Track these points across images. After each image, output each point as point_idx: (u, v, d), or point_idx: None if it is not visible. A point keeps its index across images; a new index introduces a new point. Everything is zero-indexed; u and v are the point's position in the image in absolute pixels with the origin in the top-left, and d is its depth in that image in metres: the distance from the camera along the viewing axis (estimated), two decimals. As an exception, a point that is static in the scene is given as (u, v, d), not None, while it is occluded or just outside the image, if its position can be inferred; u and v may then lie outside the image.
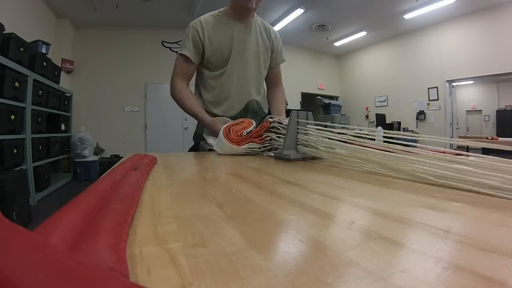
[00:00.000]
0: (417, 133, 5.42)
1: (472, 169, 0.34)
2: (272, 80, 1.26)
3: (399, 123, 5.54)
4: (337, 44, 6.36)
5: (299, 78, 6.66)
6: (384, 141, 0.47)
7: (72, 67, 4.54)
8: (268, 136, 0.74)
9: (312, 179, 0.43)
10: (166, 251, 0.16)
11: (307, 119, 0.66)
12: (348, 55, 7.06)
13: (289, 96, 6.29)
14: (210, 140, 0.94)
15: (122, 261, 0.14)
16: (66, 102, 3.96)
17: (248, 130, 0.77)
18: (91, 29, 4.85)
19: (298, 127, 0.65)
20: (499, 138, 3.21)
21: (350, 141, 0.52)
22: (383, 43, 6.13)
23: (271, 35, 1.20)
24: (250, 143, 0.75)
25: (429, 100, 5.32)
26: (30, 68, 2.73)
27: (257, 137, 0.75)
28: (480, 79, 5.44)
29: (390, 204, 0.27)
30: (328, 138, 0.57)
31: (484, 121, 8.17)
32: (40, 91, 2.96)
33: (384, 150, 0.46)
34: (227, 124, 0.81)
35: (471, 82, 6.40)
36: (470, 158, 0.56)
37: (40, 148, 3.00)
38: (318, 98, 5.14)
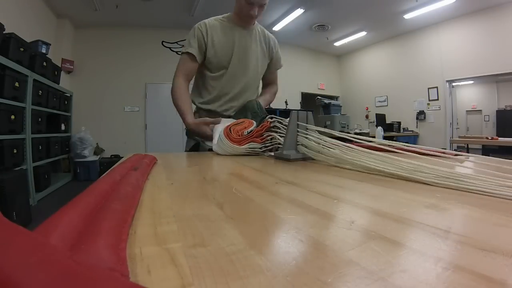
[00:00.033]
0: (417, 133, 5.43)
1: (472, 169, 0.34)
2: (269, 81, 1.37)
3: (399, 123, 5.54)
4: (337, 44, 6.36)
5: (299, 78, 6.66)
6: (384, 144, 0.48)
7: (72, 67, 4.54)
8: (270, 136, 0.74)
9: (312, 179, 0.43)
10: (166, 251, 0.16)
11: (307, 119, 0.66)
12: (348, 55, 7.07)
13: (289, 96, 6.30)
14: (215, 133, 0.95)
15: (122, 261, 0.14)
16: (66, 102, 3.96)
17: (249, 130, 0.77)
18: (91, 29, 4.85)
19: (298, 129, 0.66)
20: (499, 138, 3.21)
21: (350, 147, 0.52)
22: (383, 43, 6.13)
23: (270, 42, 1.24)
24: (251, 143, 0.75)
25: (429, 100, 5.32)
26: (30, 68, 2.73)
27: (258, 136, 0.75)
28: (480, 79, 5.44)
29: (390, 204, 0.27)
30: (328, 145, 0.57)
31: (484, 121, 8.18)
32: (40, 91, 2.96)
33: (384, 150, 0.46)
34: (227, 124, 0.81)
35: (471, 82, 6.40)
36: (470, 158, 0.56)
37: (40, 148, 3.00)
38: (318, 98, 5.14)
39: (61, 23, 4.40)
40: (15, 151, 2.43)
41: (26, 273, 0.08)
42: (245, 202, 0.29)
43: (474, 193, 0.31)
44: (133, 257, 0.15)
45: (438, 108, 5.19)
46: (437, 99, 5.19)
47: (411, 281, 0.13)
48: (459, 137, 4.78)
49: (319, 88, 6.99)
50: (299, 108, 6.30)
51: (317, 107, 5.23)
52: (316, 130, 0.63)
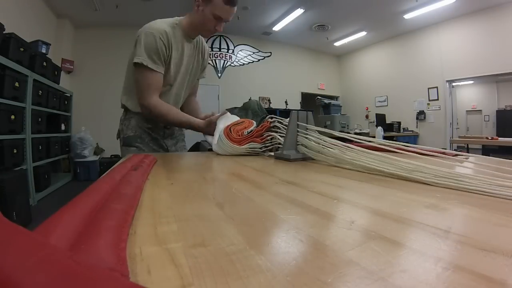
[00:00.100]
0: (417, 133, 5.43)
1: (472, 169, 0.34)
2: (194, 88, 1.25)
3: (399, 123, 5.54)
4: (337, 44, 6.36)
5: (299, 78, 6.67)
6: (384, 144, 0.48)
7: (72, 67, 4.54)
8: (270, 136, 0.74)
9: (312, 179, 0.43)
10: (166, 251, 0.16)
11: (307, 119, 0.66)
12: (348, 55, 7.06)
13: (289, 96, 6.31)
14: (210, 138, 0.93)
15: (122, 261, 0.14)
16: (66, 102, 3.95)
17: (249, 130, 0.77)
18: (91, 29, 4.85)
19: (298, 129, 0.66)
20: (499, 138, 3.21)
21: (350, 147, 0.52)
22: (383, 43, 6.13)
23: (205, 55, 1.18)
24: (251, 143, 0.75)
25: (429, 100, 5.32)
26: (30, 68, 2.73)
27: (258, 136, 0.75)
28: (480, 79, 5.44)
29: (390, 204, 0.27)
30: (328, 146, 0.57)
31: (484, 121, 8.18)
32: (40, 91, 2.96)
33: (383, 150, 0.46)
34: (227, 124, 0.81)
35: (471, 82, 6.40)
36: (470, 158, 0.56)
37: (40, 148, 3.00)
38: (318, 98, 5.13)
39: (61, 23, 4.40)
40: (15, 151, 2.43)
41: (26, 273, 0.08)
42: (245, 202, 0.29)
43: (474, 193, 0.31)
44: (133, 257, 0.15)
45: (438, 108, 5.19)
46: (437, 99, 5.19)
47: (411, 281, 0.13)
48: (459, 137, 4.78)
49: (319, 88, 7.00)
50: (299, 108, 6.30)
51: (317, 107, 5.23)
52: (316, 130, 0.63)
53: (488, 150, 4.18)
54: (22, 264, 0.09)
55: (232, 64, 6.03)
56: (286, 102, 6.03)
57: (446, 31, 4.98)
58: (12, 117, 2.40)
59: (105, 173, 0.40)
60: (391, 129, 5.38)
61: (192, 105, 1.25)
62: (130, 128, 1.06)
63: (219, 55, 5.89)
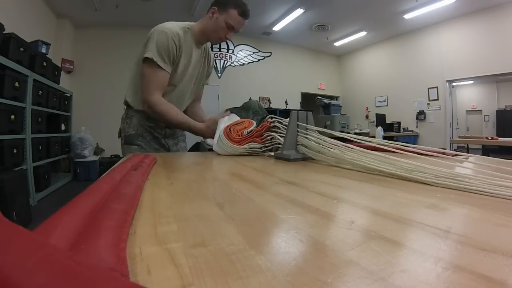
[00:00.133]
0: (417, 133, 5.43)
1: (471, 169, 0.34)
2: (200, 94, 1.30)
3: (399, 123, 5.54)
4: (337, 44, 6.36)
5: (299, 78, 6.67)
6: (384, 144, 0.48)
7: (72, 67, 4.54)
8: (270, 135, 0.74)
9: (312, 179, 0.43)
10: (166, 251, 0.16)
11: (307, 119, 0.66)
12: (348, 55, 7.07)
13: (289, 96, 6.31)
14: (210, 141, 0.94)
15: (122, 261, 0.14)
16: (66, 102, 3.95)
17: (249, 129, 0.77)
18: (91, 29, 4.84)
19: (298, 129, 0.65)
20: (499, 138, 3.21)
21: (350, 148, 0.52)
22: (383, 43, 6.13)
23: (211, 60, 1.22)
24: (251, 143, 0.75)
25: (429, 100, 5.32)
26: (30, 68, 2.73)
27: (258, 136, 0.75)
28: (480, 79, 5.44)
29: (390, 204, 0.27)
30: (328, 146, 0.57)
31: (484, 121, 8.18)
32: (40, 91, 2.96)
33: (383, 150, 0.46)
34: (227, 124, 0.81)
35: (471, 82, 6.40)
36: (470, 159, 0.56)
37: (40, 148, 3.00)
38: (318, 98, 5.13)
39: (61, 23, 4.40)
40: (15, 151, 2.43)
41: (26, 273, 0.08)
42: (245, 202, 0.29)
43: (474, 193, 0.31)
44: (133, 257, 0.15)
45: (438, 108, 5.19)
46: (437, 99, 5.19)
47: (411, 281, 0.13)
48: (459, 137, 4.78)
49: (319, 88, 7.00)
50: (299, 108, 6.31)
51: (317, 107, 5.23)
52: (316, 130, 0.63)
53: (488, 150, 4.18)
54: (22, 264, 0.09)
55: (232, 64, 6.03)
56: (286, 102, 6.03)
57: (446, 31, 4.98)
58: (12, 117, 2.40)
59: (105, 173, 0.40)
60: (391, 129, 5.38)
61: (196, 109, 1.27)
62: (132, 126, 1.06)
63: (219, 55, 5.89)
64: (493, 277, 0.13)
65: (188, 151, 1.13)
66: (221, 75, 5.93)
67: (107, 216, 0.19)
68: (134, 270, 0.14)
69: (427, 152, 0.44)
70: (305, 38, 6.04)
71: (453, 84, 5.22)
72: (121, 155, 1.11)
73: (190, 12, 4.39)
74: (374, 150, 0.47)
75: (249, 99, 1.13)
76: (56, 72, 3.54)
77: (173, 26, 0.98)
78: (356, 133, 4.90)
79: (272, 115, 0.80)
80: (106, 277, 0.10)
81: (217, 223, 0.21)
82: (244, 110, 1.05)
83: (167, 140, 1.14)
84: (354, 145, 0.52)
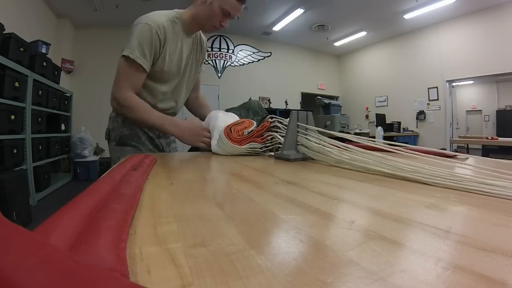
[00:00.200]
0: (417, 133, 5.43)
1: (471, 170, 0.34)
2: (196, 84, 1.21)
3: (399, 123, 5.54)
4: (337, 44, 6.36)
5: (299, 78, 6.67)
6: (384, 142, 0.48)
7: (72, 67, 4.55)
8: (270, 135, 0.74)
9: (312, 179, 0.43)
10: (166, 251, 0.16)
11: (307, 120, 0.66)
12: (348, 55, 7.07)
13: (289, 96, 6.31)
14: (215, 133, 0.88)
15: (122, 261, 0.14)
16: (66, 102, 3.96)
17: (249, 129, 0.77)
18: (91, 29, 4.85)
19: (298, 129, 0.66)
20: (499, 138, 3.21)
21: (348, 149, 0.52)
22: (383, 43, 6.13)
23: (204, 47, 1.13)
24: (252, 143, 0.75)
25: (429, 100, 5.32)
26: (30, 68, 2.73)
27: (259, 136, 0.75)
28: (480, 79, 5.44)
29: (390, 204, 0.27)
30: (328, 146, 0.57)
31: (484, 121, 8.19)
32: (40, 91, 2.96)
33: (383, 150, 0.46)
34: (227, 124, 0.81)
35: (471, 82, 6.40)
36: (469, 159, 0.56)
37: (40, 148, 3.00)
38: (318, 98, 5.14)
39: (61, 23, 4.40)
40: (15, 151, 2.43)
41: (26, 273, 0.08)
42: (245, 202, 0.29)
43: (474, 193, 0.31)
44: (133, 257, 0.15)
45: (438, 108, 5.19)
46: (437, 99, 5.19)
47: (411, 281, 0.13)
48: (459, 137, 4.78)
49: (319, 88, 7.00)
50: (299, 108, 6.31)
51: (317, 107, 5.24)
52: (316, 130, 0.63)
53: (488, 150, 4.18)
54: (22, 264, 0.09)
55: (232, 64, 6.03)
56: (286, 102, 6.04)
57: (446, 31, 4.98)
58: (12, 117, 2.40)
59: (105, 173, 0.40)
60: (391, 129, 5.39)
61: (197, 101, 1.22)
62: (125, 126, 0.99)
63: (219, 55, 5.89)
64: (493, 277, 0.13)
65: (188, 151, 1.13)
66: (221, 75, 5.93)
67: (107, 216, 0.19)
68: (134, 270, 0.14)
69: (426, 152, 0.44)
70: (305, 38, 6.04)
71: (453, 84, 5.22)
72: (110, 156, 1.05)
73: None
74: (373, 150, 0.47)
75: (249, 99, 1.12)
76: (56, 72, 3.54)
77: (159, 18, 0.90)
78: (356, 133, 4.91)
79: (273, 115, 0.80)
80: (106, 277, 0.10)
81: (217, 223, 0.21)
82: (244, 110, 1.05)
83: (160, 140, 1.08)
84: (353, 145, 0.52)
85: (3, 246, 0.10)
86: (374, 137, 0.68)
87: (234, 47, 6.04)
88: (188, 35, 1.00)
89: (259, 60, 6.31)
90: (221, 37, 5.88)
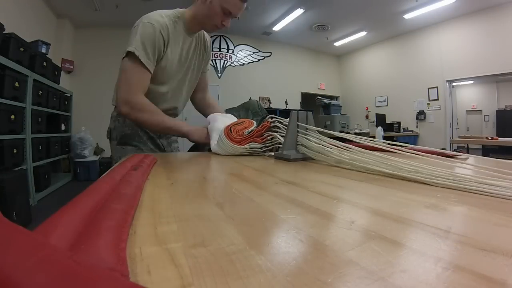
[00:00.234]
0: (417, 133, 5.43)
1: (471, 170, 0.34)
2: (202, 84, 1.19)
3: (399, 123, 5.54)
4: (337, 44, 6.36)
5: (299, 78, 6.67)
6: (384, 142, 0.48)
7: (72, 67, 4.55)
8: (270, 135, 0.74)
9: (312, 179, 0.43)
10: (166, 251, 0.16)
11: (307, 120, 0.66)
12: (348, 55, 7.07)
13: (289, 96, 6.31)
14: (214, 134, 0.87)
15: (122, 261, 0.14)
16: (66, 102, 3.96)
17: (249, 129, 0.77)
18: (91, 29, 4.85)
19: (298, 129, 0.66)
20: (499, 138, 3.21)
21: (348, 149, 0.52)
22: (383, 43, 6.13)
23: (207, 46, 1.11)
24: (252, 143, 0.75)
25: (429, 100, 5.32)
26: (30, 68, 2.73)
27: (259, 136, 0.75)
28: (480, 79, 5.45)
29: (390, 204, 0.27)
30: (327, 146, 0.57)
31: (484, 121, 8.19)
32: (40, 91, 2.96)
33: (383, 150, 0.46)
34: (227, 124, 0.81)
35: (471, 82, 6.41)
36: (469, 159, 0.56)
37: (40, 148, 3.00)
38: (318, 98, 5.14)
39: (61, 23, 4.40)
40: (15, 151, 2.43)
41: (26, 273, 0.08)
42: (245, 202, 0.29)
43: (474, 193, 0.31)
44: (133, 257, 0.15)
45: (438, 108, 5.19)
46: (437, 99, 5.19)
47: (411, 281, 0.13)
48: (459, 137, 4.78)
49: (319, 88, 7.00)
50: (299, 108, 6.31)
51: (317, 107, 5.24)
52: (316, 130, 0.63)
53: (488, 150, 4.18)
54: (22, 264, 0.09)
55: (232, 64, 6.03)
56: (286, 102, 6.04)
57: (446, 31, 4.98)
58: (12, 117, 2.40)
59: (105, 173, 0.40)
60: (391, 129, 5.39)
61: (205, 101, 1.21)
62: (127, 125, 0.99)
63: (219, 55, 5.89)
64: (493, 277, 0.13)
65: (188, 151, 1.13)
66: (221, 75, 5.93)
67: (107, 216, 0.19)
68: (134, 270, 0.14)
69: (426, 152, 0.44)
70: (305, 38, 6.04)
71: (453, 84, 5.22)
72: (112, 156, 1.04)
73: (190, 12, 4.39)
74: (373, 150, 0.47)
75: (249, 99, 1.12)
76: (56, 72, 3.54)
77: (161, 18, 0.89)
78: (356, 133, 4.90)
79: (272, 115, 0.80)
80: (106, 277, 0.10)
81: (217, 223, 0.21)
82: (243, 110, 1.04)
83: (161, 140, 1.08)
84: (353, 145, 0.52)
85: (3, 246, 0.10)
86: (374, 137, 0.68)
87: (234, 47, 6.04)
88: (189, 35, 0.99)
89: (259, 60, 6.31)
90: (221, 37, 5.88)
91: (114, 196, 0.25)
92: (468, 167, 0.47)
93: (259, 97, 6.05)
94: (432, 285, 0.12)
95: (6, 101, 2.30)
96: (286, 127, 0.68)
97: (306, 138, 0.62)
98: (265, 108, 1.08)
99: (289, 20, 5.06)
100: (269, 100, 6.15)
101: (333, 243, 0.17)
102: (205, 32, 1.08)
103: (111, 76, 0.99)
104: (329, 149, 0.55)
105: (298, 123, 0.66)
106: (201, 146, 1.03)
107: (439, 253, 0.15)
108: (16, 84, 2.44)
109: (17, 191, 2.11)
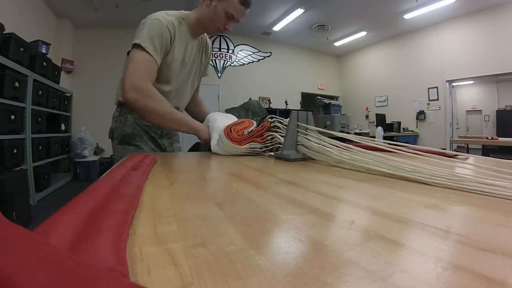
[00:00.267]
0: (417, 133, 5.43)
1: (471, 170, 0.34)
2: (197, 86, 1.22)
3: (399, 123, 5.54)
4: (337, 44, 6.36)
5: (299, 78, 6.67)
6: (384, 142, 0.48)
7: (72, 67, 4.54)
8: (270, 135, 0.74)
9: (312, 179, 0.43)
10: (166, 251, 0.16)
11: (307, 120, 0.66)
12: (348, 55, 7.07)
13: (289, 96, 6.31)
14: (214, 134, 0.86)
15: (122, 261, 0.14)
16: (66, 102, 3.96)
17: (249, 129, 0.77)
18: (91, 29, 4.85)
19: (298, 129, 0.66)
20: (499, 138, 3.21)
21: (348, 148, 0.52)
22: (383, 43, 6.13)
23: (209, 48, 1.14)
24: (252, 143, 0.75)
25: (429, 100, 5.32)
26: (30, 68, 2.73)
27: (259, 136, 0.75)
28: (480, 79, 5.44)
29: (390, 204, 0.27)
30: (327, 145, 0.57)
31: (484, 121, 8.19)
32: (40, 91, 2.96)
33: (383, 150, 0.46)
34: (227, 124, 0.81)
35: (471, 82, 6.40)
36: (469, 159, 0.56)
37: (40, 148, 3.00)
38: (318, 98, 5.14)
39: (61, 23, 4.40)
40: (15, 151, 2.43)
41: (26, 273, 0.08)
42: (245, 202, 0.29)
43: (474, 193, 0.31)
44: (133, 257, 0.15)
45: (438, 108, 5.19)
46: (437, 99, 5.19)
47: (411, 281, 0.13)
48: (459, 137, 4.78)
49: (319, 88, 7.00)
50: (299, 108, 6.31)
51: (317, 107, 5.24)
52: (316, 130, 0.63)
53: (488, 150, 4.18)
54: (22, 264, 0.09)
55: (232, 64, 6.03)
56: (286, 102, 6.04)
57: (446, 31, 4.98)
58: (12, 117, 2.40)
59: (105, 173, 0.40)
60: (391, 129, 5.39)
61: (195, 104, 1.23)
62: (128, 125, 0.99)
63: (219, 55, 5.89)
64: (493, 277, 0.13)
65: (188, 151, 1.13)
66: (221, 75, 5.93)
67: (107, 216, 0.19)
68: (134, 270, 0.14)
69: (426, 151, 0.44)
70: (305, 38, 6.04)
71: (453, 84, 5.22)
72: (113, 155, 1.05)
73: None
74: (373, 150, 0.47)
75: (249, 99, 1.12)
76: (56, 72, 3.54)
77: (168, 16, 0.91)
78: (356, 133, 4.91)
79: (272, 115, 0.80)
80: (106, 277, 0.10)
81: (217, 223, 0.21)
82: (243, 110, 1.05)
83: (162, 140, 1.09)
84: (353, 145, 0.52)
85: (3, 246, 0.10)
86: (374, 137, 0.68)
87: (234, 47, 6.04)
88: (193, 37, 1.01)
89: (259, 60, 6.31)
90: (221, 37, 5.87)
91: (114, 196, 0.25)
92: (468, 167, 0.47)
93: (259, 97, 6.05)
94: (432, 285, 0.12)
95: (6, 101, 2.30)
96: (286, 127, 0.68)
97: (306, 138, 0.62)
98: (265, 108, 1.08)
99: (289, 20, 5.06)
100: (269, 100, 6.14)
101: (333, 243, 0.17)
102: (206, 36, 1.11)
103: (111, 76, 0.99)
104: (329, 149, 0.55)
105: (298, 123, 0.66)
106: (201, 146, 1.04)
107: (439, 253, 0.15)
108: (16, 84, 2.44)
109: (17, 191, 2.11)
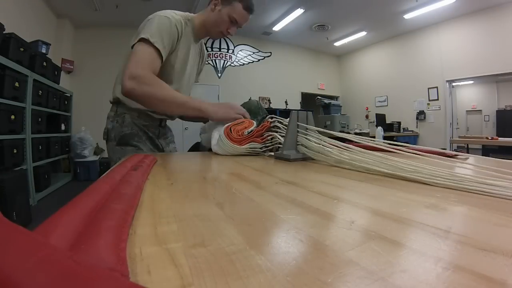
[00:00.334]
0: (417, 133, 5.43)
1: (471, 170, 0.34)
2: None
3: (399, 123, 5.54)
4: (337, 44, 6.36)
5: (299, 78, 6.67)
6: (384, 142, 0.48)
7: (72, 67, 4.54)
8: (270, 135, 0.74)
9: (312, 179, 0.43)
10: (166, 251, 0.16)
11: (307, 120, 0.66)
12: (348, 55, 7.07)
13: (289, 96, 6.31)
14: (215, 133, 0.82)
15: (122, 261, 0.14)
16: (66, 102, 3.95)
17: (249, 129, 0.77)
18: (91, 29, 4.85)
19: (298, 129, 0.66)
20: (499, 138, 3.21)
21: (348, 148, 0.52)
22: (383, 43, 6.13)
23: (204, 56, 1.17)
24: (252, 143, 0.75)
25: (429, 100, 5.32)
26: (30, 68, 2.73)
27: (259, 136, 0.75)
28: (480, 79, 5.44)
29: (390, 204, 0.27)
30: (327, 145, 0.57)
31: (484, 121, 8.19)
32: (40, 91, 2.96)
33: (383, 150, 0.46)
34: (227, 124, 0.81)
35: (471, 82, 6.40)
36: (469, 159, 0.56)
37: (40, 148, 3.00)
38: (318, 98, 5.14)
39: (61, 23, 4.40)
40: (15, 151, 2.43)
41: (26, 273, 0.08)
42: (245, 202, 0.29)
43: (474, 193, 0.31)
44: (133, 257, 0.15)
45: (438, 108, 5.19)
46: (437, 99, 5.19)
47: (411, 281, 0.13)
48: (459, 137, 4.78)
49: (319, 88, 7.00)
50: (299, 108, 6.31)
51: (317, 107, 5.24)
52: (316, 130, 0.63)
53: (488, 150, 4.18)
54: (22, 264, 0.09)
55: (232, 64, 6.03)
56: (286, 102, 6.03)
57: (446, 31, 4.98)
58: (12, 117, 2.40)
59: (105, 173, 0.40)
60: (391, 129, 5.39)
61: None
62: (126, 126, 0.97)
63: (219, 55, 5.89)
64: (493, 277, 0.13)
65: (188, 151, 1.13)
66: (221, 75, 5.93)
67: (107, 216, 0.19)
68: (134, 270, 0.14)
69: (426, 152, 0.44)
70: (305, 38, 6.04)
71: (453, 84, 5.22)
72: (109, 157, 1.03)
73: (190, 12, 4.39)
74: (373, 150, 0.47)
75: (249, 99, 1.12)
76: (56, 72, 3.54)
77: (176, 15, 0.91)
78: (356, 133, 4.90)
79: (272, 115, 0.80)
80: (106, 277, 0.10)
81: (217, 223, 0.21)
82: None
83: (160, 140, 1.09)
84: (353, 145, 0.52)
85: (3, 246, 0.10)
86: (374, 137, 0.68)
87: (234, 47, 6.04)
88: (195, 41, 1.02)
89: (259, 60, 6.30)
90: (221, 37, 5.87)
91: (114, 196, 0.25)
92: (468, 167, 0.47)
93: (259, 97, 6.05)
94: (432, 285, 0.12)
95: (6, 101, 2.30)
96: (286, 127, 0.68)
97: (306, 138, 0.62)
98: (265, 108, 1.08)
99: (289, 20, 5.06)
100: (269, 100, 6.14)
101: (333, 243, 0.17)
102: (204, 45, 1.14)
103: (111, 76, 0.99)
104: (329, 149, 0.55)
105: (298, 123, 0.66)
106: (201, 146, 1.04)
107: (439, 253, 0.15)
108: (16, 84, 2.44)
109: (17, 191, 2.11)
